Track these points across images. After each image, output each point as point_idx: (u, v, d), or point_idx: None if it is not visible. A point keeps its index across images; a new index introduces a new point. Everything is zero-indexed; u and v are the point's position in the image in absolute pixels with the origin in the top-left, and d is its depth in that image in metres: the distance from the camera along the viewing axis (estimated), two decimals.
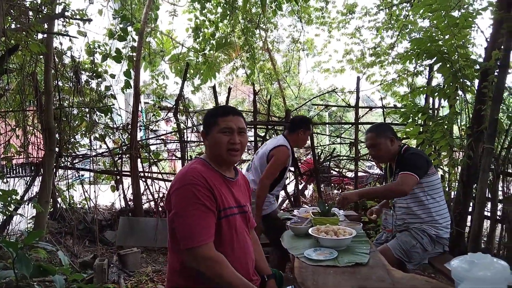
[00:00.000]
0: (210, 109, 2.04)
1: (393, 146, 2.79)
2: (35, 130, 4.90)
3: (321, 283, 1.72)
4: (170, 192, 1.72)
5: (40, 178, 4.41)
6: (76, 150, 5.34)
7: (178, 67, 6.94)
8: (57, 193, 5.02)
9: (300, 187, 5.89)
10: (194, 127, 5.77)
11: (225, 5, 6.66)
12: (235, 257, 1.76)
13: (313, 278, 1.77)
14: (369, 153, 2.94)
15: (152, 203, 5.40)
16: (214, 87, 5.60)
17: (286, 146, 3.26)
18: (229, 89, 5.61)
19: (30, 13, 4.08)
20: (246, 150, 6.57)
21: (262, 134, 5.69)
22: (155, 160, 5.51)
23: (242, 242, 1.84)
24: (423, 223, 2.71)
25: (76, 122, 5.17)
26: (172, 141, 5.99)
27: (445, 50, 3.28)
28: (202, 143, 5.86)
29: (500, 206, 3.31)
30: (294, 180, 5.69)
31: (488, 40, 3.47)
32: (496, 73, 3.17)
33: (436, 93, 3.82)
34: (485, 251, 3.10)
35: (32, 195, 4.68)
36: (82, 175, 5.54)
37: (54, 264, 3.89)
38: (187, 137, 5.50)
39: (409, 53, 3.51)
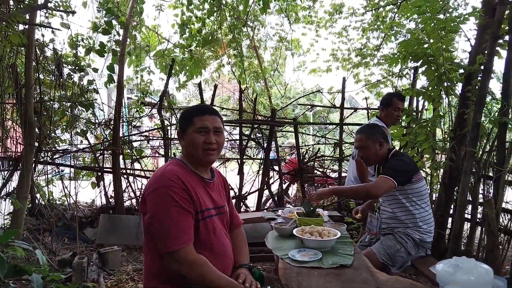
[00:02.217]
0: (186, 108, 2.01)
1: (381, 150, 2.78)
2: (14, 124, 4.76)
3: (305, 285, 1.71)
4: (145, 195, 1.69)
5: (19, 173, 4.29)
6: (56, 145, 5.21)
7: (164, 63, 6.85)
8: (36, 189, 4.90)
9: (284, 186, 5.88)
10: (179, 124, 5.69)
11: (212, 1, 6.59)
12: (215, 258, 1.74)
13: (298, 280, 1.77)
14: (358, 154, 2.92)
15: (134, 200, 5.31)
16: (199, 84, 5.55)
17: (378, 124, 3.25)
18: (215, 86, 5.56)
19: (11, 2, 3.95)
20: (230, 149, 6.56)
21: (247, 133, 5.67)
22: (137, 157, 5.42)
23: (220, 243, 1.82)
24: (407, 228, 2.73)
25: (57, 117, 5.04)
26: (155, 138, 5.91)
27: (431, 53, 3.31)
28: None
29: (480, 209, 3.36)
30: (278, 179, 5.70)
31: (472, 44, 3.53)
32: (479, 78, 3.22)
33: (421, 96, 3.86)
34: (464, 253, 3.16)
35: (9, 191, 4.56)
36: (62, 171, 5.41)
37: (31, 262, 3.79)
38: (171, 134, 5.42)
39: (397, 56, 3.54)
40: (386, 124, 3.36)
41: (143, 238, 1.79)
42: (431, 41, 3.31)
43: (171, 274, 1.65)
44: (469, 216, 3.41)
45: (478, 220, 3.38)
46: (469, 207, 3.41)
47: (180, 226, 1.61)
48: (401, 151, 3.81)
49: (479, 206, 3.39)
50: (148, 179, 5.26)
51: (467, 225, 3.43)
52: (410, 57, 3.47)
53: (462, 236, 3.30)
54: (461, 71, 3.41)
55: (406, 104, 4.90)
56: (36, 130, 4.44)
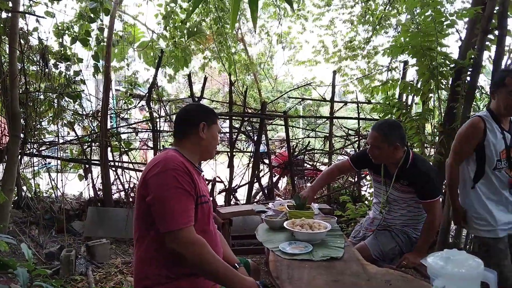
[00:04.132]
0: (206, 106, 2.12)
1: (395, 154, 2.55)
2: None
3: (296, 278, 1.70)
4: (147, 177, 1.70)
5: (4, 165, 4.21)
6: (42, 137, 5.12)
7: (148, 55, 6.71)
8: (22, 181, 4.81)
9: (274, 179, 5.88)
10: (168, 117, 5.64)
11: None
12: (209, 242, 1.76)
13: (288, 272, 1.76)
14: (368, 150, 2.66)
15: (123, 193, 5.26)
16: (189, 76, 5.49)
17: (476, 116, 2.45)
18: (205, 78, 5.51)
19: None
20: (220, 142, 6.52)
21: (238, 126, 5.64)
22: (126, 149, 5.36)
23: (213, 228, 1.89)
24: (406, 226, 2.72)
25: (43, 108, 4.94)
26: (144, 130, 5.85)
27: (428, 46, 3.31)
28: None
29: None
30: (268, 172, 5.69)
31: (462, 39, 3.55)
32: (469, 72, 3.24)
33: (409, 89, 3.87)
34: (452, 246, 3.20)
35: None
36: (49, 163, 5.33)
37: (17, 255, 3.73)
38: (159, 127, 5.37)
39: (398, 46, 3.49)
40: (499, 116, 2.37)
41: (134, 225, 1.79)
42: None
43: (168, 259, 1.67)
44: None
45: None
46: None
47: (183, 207, 1.65)
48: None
49: None
50: (136, 171, 5.23)
51: None
52: (408, 49, 3.44)
53: (450, 229, 3.33)
54: (452, 65, 3.43)
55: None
56: (22, 121, 4.35)
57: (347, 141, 6.10)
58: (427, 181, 2.51)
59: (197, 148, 1.89)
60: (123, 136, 5.56)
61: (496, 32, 3.16)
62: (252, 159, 5.53)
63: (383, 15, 6.85)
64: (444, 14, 3.21)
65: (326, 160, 6.09)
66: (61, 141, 5.11)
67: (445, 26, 3.26)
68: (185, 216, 1.64)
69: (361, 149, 5.42)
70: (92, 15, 4.86)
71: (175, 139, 1.93)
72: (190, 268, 1.68)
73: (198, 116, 1.90)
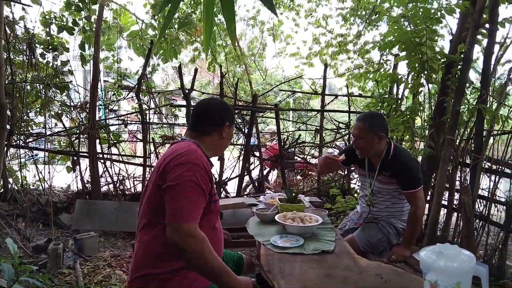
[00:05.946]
0: (228, 104, 2.12)
1: (379, 144, 2.60)
2: None
3: (288, 271, 1.70)
4: (169, 166, 1.68)
5: None
6: (29, 128, 5.03)
7: (138, 45, 6.60)
8: (8, 173, 4.73)
9: (265, 172, 5.88)
10: (157, 109, 5.58)
11: None
12: (216, 238, 1.82)
13: (280, 266, 1.75)
14: (352, 142, 2.74)
15: (111, 186, 5.20)
16: (179, 67, 5.42)
17: None
18: (195, 70, 5.45)
19: None
20: None
21: None
22: (115, 141, 5.29)
23: (220, 225, 1.91)
24: (391, 217, 2.74)
25: (30, 99, 4.84)
26: (133, 122, 5.77)
27: (418, 41, 3.31)
28: (165, 125, 5.70)
29: (457, 195, 3.43)
30: (259, 165, 5.68)
31: (454, 33, 3.56)
32: (460, 66, 3.26)
33: (396, 82, 3.88)
34: (440, 239, 3.23)
35: None
36: (36, 155, 5.23)
37: (3, 248, 3.67)
38: (149, 119, 5.31)
39: (388, 42, 3.49)
40: None
41: (141, 213, 1.79)
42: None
43: (174, 255, 1.65)
44: (446, 203, 3.48)
45: (454, 206, 3.45)
46: (446, 194, 3.48)
47: (193, 204, 1.64)
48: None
49: (455, 193, 3.46)
50: (125, 164, 5.18)
51: (443, 211, 3.50)
52: (398, 45, 3.44)
53: (438, 222, 3.36)
54: (443, 59, 3.44)
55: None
56: (8, 112, 4.26)
57: (337, 134, 6.10)
58: (408, 171, 2.55)
59: (214, 145, 1.93)
60: (112, 128, 5.49)
61: (487, 26, 3.17)
62: (242, 152, 5.51)
63: (373, 9, 6.79)
64: (433, 10, 3.21)
65: (316, 153, 6.10)
66: (48, 132, 5.02)
67: (434, 22, 3.26)
68: (192, 212, 1.63)
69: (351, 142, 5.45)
70: (80, 4, 4.76)
71: (193, 133, 1.91)
72: (186, 263, 1.64)
73: (224, 116, 1.93)
